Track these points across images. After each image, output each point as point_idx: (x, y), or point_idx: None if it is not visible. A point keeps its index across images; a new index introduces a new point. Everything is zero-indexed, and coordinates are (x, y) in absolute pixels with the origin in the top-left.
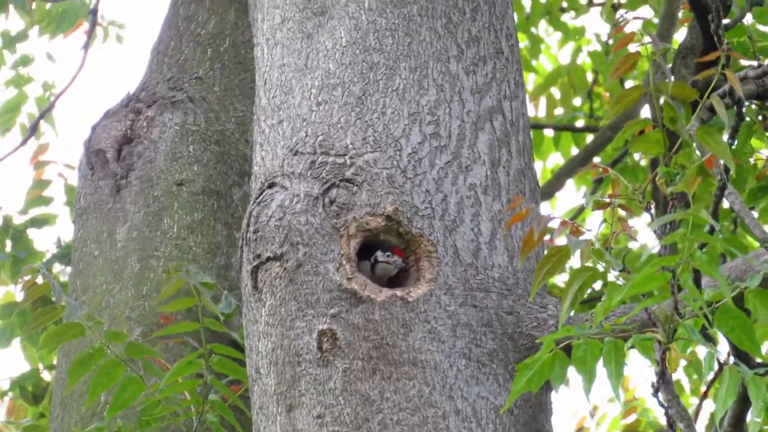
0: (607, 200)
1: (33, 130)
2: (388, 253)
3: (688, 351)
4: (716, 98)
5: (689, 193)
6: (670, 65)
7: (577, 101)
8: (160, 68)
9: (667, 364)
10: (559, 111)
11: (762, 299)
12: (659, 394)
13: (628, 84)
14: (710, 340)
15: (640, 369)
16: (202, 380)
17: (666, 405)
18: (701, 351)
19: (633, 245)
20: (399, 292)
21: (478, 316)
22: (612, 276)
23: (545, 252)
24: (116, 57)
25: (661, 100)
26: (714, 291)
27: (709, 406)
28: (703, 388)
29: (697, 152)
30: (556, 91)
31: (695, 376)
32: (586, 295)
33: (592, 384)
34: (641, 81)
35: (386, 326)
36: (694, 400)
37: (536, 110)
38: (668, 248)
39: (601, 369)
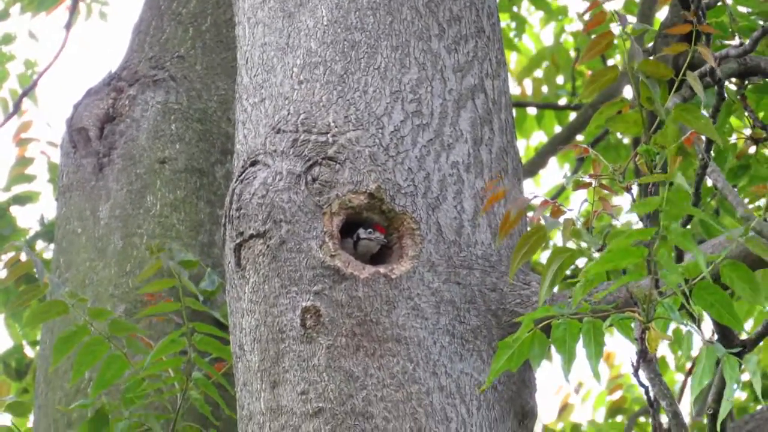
0: (588, 180)
1: (16, 108)
2: (369, 230)
3: (670, 329)
4: (692, 75)
5: (671, 168)
6: (651, 44)
7: (559, 79)
8: (141, 47)
9: (647, 344)
10: (545, 90)
11: (738, 272)
12: (640, 373)
13: (611, 63)
14: (694, 317)
15: (625, 345)
16: (186, 357)
17: (647, 384)
18: (686, 329)
19: (617, 224)
20: (382, 269)
21: (462, 293)
22: (594, 255)
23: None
24: (100, 34)
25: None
26: (691, 261)
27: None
28: (688, 365)
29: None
30: (539, 71)
31: (680, 353)
32: (570, 272)
33: (571, 364)
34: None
35: (370, 303)
36: (679, 377)
37: (522, 89)
38: (650, 223)
39: (581, 348)
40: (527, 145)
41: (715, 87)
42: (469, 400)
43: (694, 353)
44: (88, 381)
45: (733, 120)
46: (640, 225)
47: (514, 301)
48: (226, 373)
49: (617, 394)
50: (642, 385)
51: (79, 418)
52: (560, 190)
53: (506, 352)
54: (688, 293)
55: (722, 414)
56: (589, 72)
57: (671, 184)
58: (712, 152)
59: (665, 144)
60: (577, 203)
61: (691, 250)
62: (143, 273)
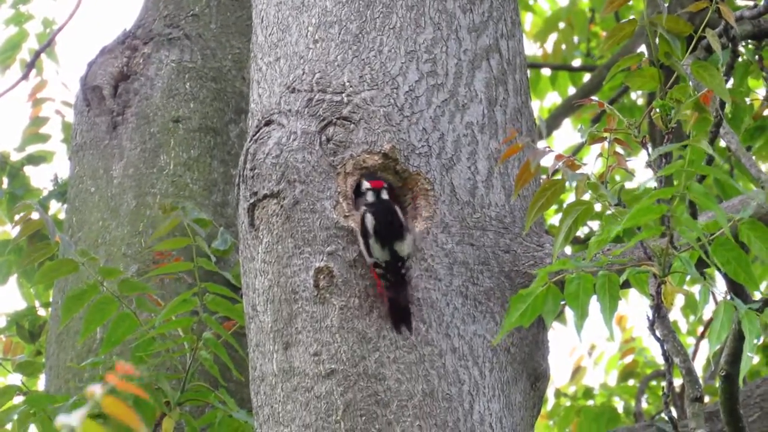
0: (604, 134)
1: (31, 65)
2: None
3: (685, 288)
4: (711, 32)
5: (687, 126)
6: (666, 4)
7: (576, 40)
8: (156, 5)
9: (662, 299)
10: (563, 48)
11: (756, 231)
12: (655, 329)
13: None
14: (707, 278)
15: (637, 309)
16: (197, 318)
17: (662, 340)
18: (699, 291)
19: (629, 185)
20: None
21: (475, 255)
22: (608, 211)
23: None
24: None
25: (657, 36)
26: (709, 219)
27: (706, 347)
28: (699, 330)
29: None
30: (554, 33)
31: (692, 317)
32: (584, 235)
33: (583, 320)
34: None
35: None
36: (691, 341)
37: (544, 50)
38: (665, 183)
39: (595, 306)
40: (541, 106)
41: (730, 46)
42: (482, 362)
43: (706, 316)
44: (99, 341)
45: (750, 81)
46: (654, 183)
47: (528, 262)
48: (237, 334)
49: (629, 358)
50: (657, 339)
51: (91, 378)
52: (575, 151)
53: (519, 308)
54: (706, 249)
55: (744, 368)
56: (604, 33)
57: (684, 139)
58: (727, 112)
59: (682, 99)
60: (591, 161)
61: (711, 208)
62: (159, 231)
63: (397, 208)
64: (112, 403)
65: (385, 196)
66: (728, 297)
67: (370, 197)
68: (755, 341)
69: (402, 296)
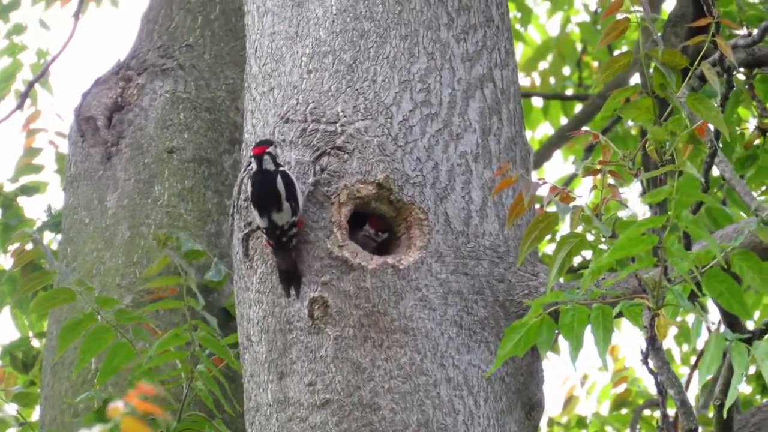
0: (598, 167)
1: (25, 96)
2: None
3: (678, 318)
4: (707, 65)
5: (681, 157)
6: (660, 33)
7: (566, 71)
8: (150, 36)
9: (656, 331)
10: (552, 81)
11: (748, 261)
12: (649, 361)
13: (618, 52)
14: (702, 308)
15: (629, 339)
16: (190, 350)
17: (656, 372)
18: (692, 320)
19: (623, 215)
20: (390, 260)
21: (470, 284)
22: (602, 244)
23: None
24: (112, 22)
25: (651, 67)
26: (701, 249)
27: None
28: (693, 359)
29: (687, 120)
30: (544, 62)
31: (685, 346)
32: (577, 264)
33: (578, 351)
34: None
35: (377, 294)
36: (684, 370)
37: (531, 81)
38: (659, 212)
39: (588, 336)
40: (532, 137)
41: (725, 76)
42: (477, 391)
43: (699, 346)
44: (94, 372)
45: (740, 110)
46: (648, 215)
47: (522, 292)
48: (226, 372)
49: (622, 387)
50: (651, 372)
51: (86, 409)
52: (567, 182)
53: (513, 338)
54: (698, 281)
55: (729, 399)
56: (595, 63)
57: (680, 173)
58: (719, 143)
59: (676, 131)
60: (584, 193)
61: (702, 237)
62: (151, 269)
63: (279, 177)
64: (131, 423)
65: (268, 165)
66: (720, 328)
67: (253, 165)
68: (743, 373)
69: (286, 261)
